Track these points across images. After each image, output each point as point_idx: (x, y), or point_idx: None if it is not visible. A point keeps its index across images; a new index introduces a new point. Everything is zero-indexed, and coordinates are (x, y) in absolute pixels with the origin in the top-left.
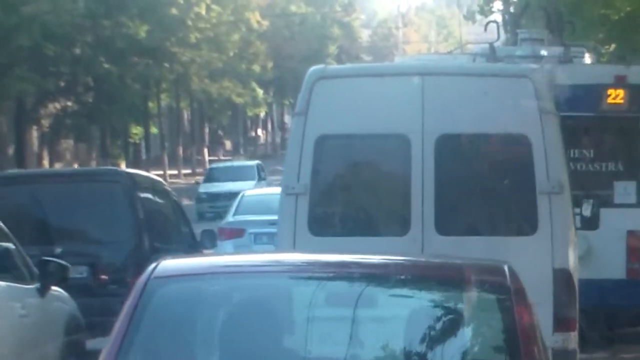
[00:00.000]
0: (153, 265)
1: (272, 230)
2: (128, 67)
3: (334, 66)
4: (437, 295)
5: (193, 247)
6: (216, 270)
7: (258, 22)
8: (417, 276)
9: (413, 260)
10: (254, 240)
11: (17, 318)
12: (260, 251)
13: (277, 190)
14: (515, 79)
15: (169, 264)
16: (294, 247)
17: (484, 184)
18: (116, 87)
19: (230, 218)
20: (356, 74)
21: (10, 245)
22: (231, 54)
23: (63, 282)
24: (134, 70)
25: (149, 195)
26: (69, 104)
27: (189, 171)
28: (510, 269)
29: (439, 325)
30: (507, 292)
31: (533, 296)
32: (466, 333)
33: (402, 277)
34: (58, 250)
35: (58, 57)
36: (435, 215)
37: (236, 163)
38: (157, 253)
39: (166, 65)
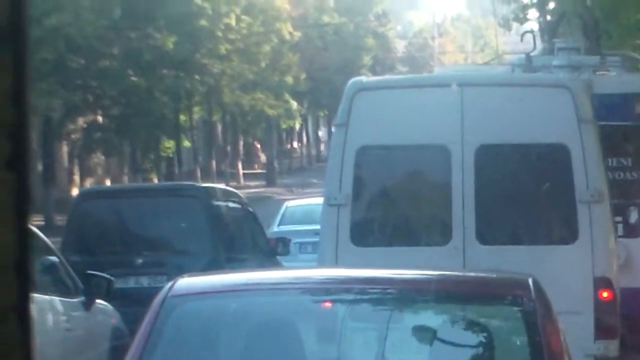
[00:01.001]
0: (170, 283)
1: (317, 239)
2: (156, 80)
3: (373, 78)
4: (462, 310)
5: (267, 255)
6: (233, 288)
7: (290, 33)
8: (441, 291)
9: (436, 275)
10: (299, 250)
11: (62, 332)
12: (280, 268)
13: (320, 200)
14: (554, 88)
15: (186, 282)
16: (336, 257)
17: (523, 193)
18: (144, 100)
19: (275, 228)
20: (396, 86)
21: (56, 259)
22: (263, 65)
23: (108, 296)
24: (162, 82)
25: (225, 207)
26: (97, 117)
27: (222, 185)
28: (535, 282)
29: (464, 340)
30: (531, 306)
31: (574, 304)
32: (491, 347)
33: (426, 292)
34: (139, 261)
35: (84, 70)
36: (476, 225)
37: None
38: (233, 263)
39: (197, 77)
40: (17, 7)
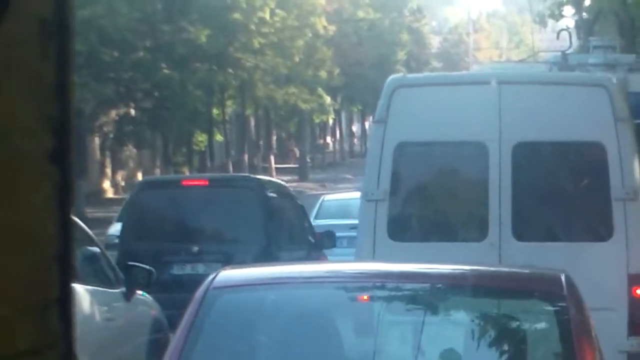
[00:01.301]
0: (212, 275)
1: (352, 234)
2: (189, 73)
3: (412, 75)
4: (495, 304)
5: (314, 246)
6: (272, 280)
7: (324, 27)
8: (475, 286)
9: (470, 270)
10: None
11: (103, 321)
12: (320, 262)
13: (356, 194)
14: (591, 87)
15: (228, 274)
16: (374, 252)
17: (560, 190)
18: (177, 93)
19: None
20: (434, 83)
21: (97, 250)
22: (296, 59)
23: (148, 287)
24: (195, 76)
25: (277, 199)
26: (129, 110)
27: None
28: (567, 278)
29: (496, 334)
30: (563, 301)
31: (608, 301)
32: (523, 342)
33: (460, 287)
34: (195, 248)
35: (116, 62)
36: (512, 221)
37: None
38: (283, 252)
39: (230, 71)
40: (62, 0)
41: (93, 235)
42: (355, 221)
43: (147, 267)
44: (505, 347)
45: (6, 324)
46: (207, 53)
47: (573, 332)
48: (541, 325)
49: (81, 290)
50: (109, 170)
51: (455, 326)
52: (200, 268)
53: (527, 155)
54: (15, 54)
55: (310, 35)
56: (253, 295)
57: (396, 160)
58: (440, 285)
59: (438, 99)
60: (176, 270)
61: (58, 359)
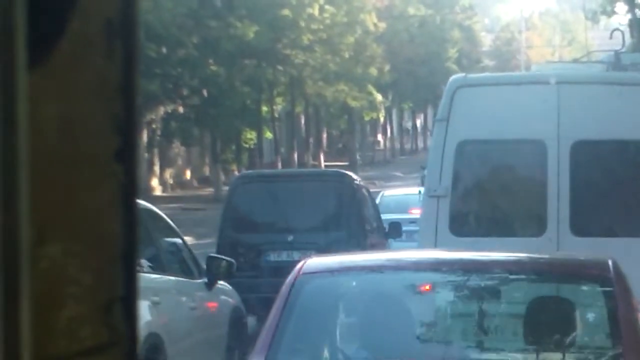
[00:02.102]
0: (300, 263)
1: (411, 228)
2: (237, 70)
3: (474, 75)
4: (548, 287)
5: (383, 236)
6: (355, 267)
7: (374, 24)
8: (530, 271)
9: (526, 257)
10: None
11: (188, 310)
12: (396, 250)
13: (414, 190)
14: None
15: (314, 262)
16: (435, 246)
17: (617, 187)
18: (224, 90)
19: None
20: (495, 83)
21: (179, 241)
22: (346, 56)
23: (228, 277)
24: (243, 73)
25: (360, 192)
26: (177, 107)
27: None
28: (614, 263)
29: (550, 314)
30: (610, 284)
31: None
32: (574, 321)
33: (518, 272)
34: (290, 238)
35: (163, 58)
36: (570, 217)
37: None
38: (365, 240)
39: (279, 68)
40: (128, 0)
41: (176, 228)
42: (414, 215)
43: (228, 258)
44: (559, 326)
45: (72, 322)
46: (254, 49)
47: (619, 312)
48: (590, 305)
49: (168, 281)
50: (157, 168)
51: (516, 306)
52: (296, 255)
53: (584, 153)
54: (81, 54)
55: (360, 32)
56: (336, 280)
57: (458, 157)
58: (501, 271)
59: (498, 98)
60: (273, 257)
61: (121, 357)
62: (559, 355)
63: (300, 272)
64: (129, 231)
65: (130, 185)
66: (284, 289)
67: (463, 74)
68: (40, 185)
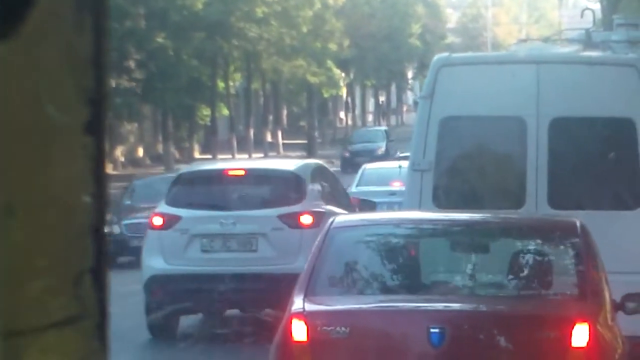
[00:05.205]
0: (332, 219)
1: (392, 199)
2: (184, 42)
3: (457, 54)
4: (524, 242)
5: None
6: (375, 222)
7: None
8: (511, 227)
9: (507, 217)
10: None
11: None
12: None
13: (394, 164)
14: (622, 67)
15: (342, 218)
16: None
17: (592, 162)
18: (171, 63)
19: (353, 189)
20: (477, 62)
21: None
22: (304, 30)
23: None
24: (191, 44)
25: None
26: (122, 82)
27: (260, 155)
28: (582, 224)
29: (526, 264)
30: (576, 237)
31: (635, 265)
32: (546, 271)
33: (500, 228)
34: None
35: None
36: (548, 191)
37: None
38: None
39: (234, 42)
40: None
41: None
42: (394, 188)
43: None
44: (532, 272)
45: (42, 294)
46: (204, 21)
47: (584, 265)
48: (560, 258)
49: None
50: (107, 145)
51: (501, 255)
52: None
53: (562, 130)
54: (50, 26)
55: (319, 5)
56: (360, 232)
57: (441, 133)
58: (489, 227)
59: (480, 77)
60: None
61: (92, 329)
62: (535, 291)
63: (331, 227)
64: (99, 203)
65: (100, 157)
66: (319, 239)
67: (447, 53)
68: (9, 157)
